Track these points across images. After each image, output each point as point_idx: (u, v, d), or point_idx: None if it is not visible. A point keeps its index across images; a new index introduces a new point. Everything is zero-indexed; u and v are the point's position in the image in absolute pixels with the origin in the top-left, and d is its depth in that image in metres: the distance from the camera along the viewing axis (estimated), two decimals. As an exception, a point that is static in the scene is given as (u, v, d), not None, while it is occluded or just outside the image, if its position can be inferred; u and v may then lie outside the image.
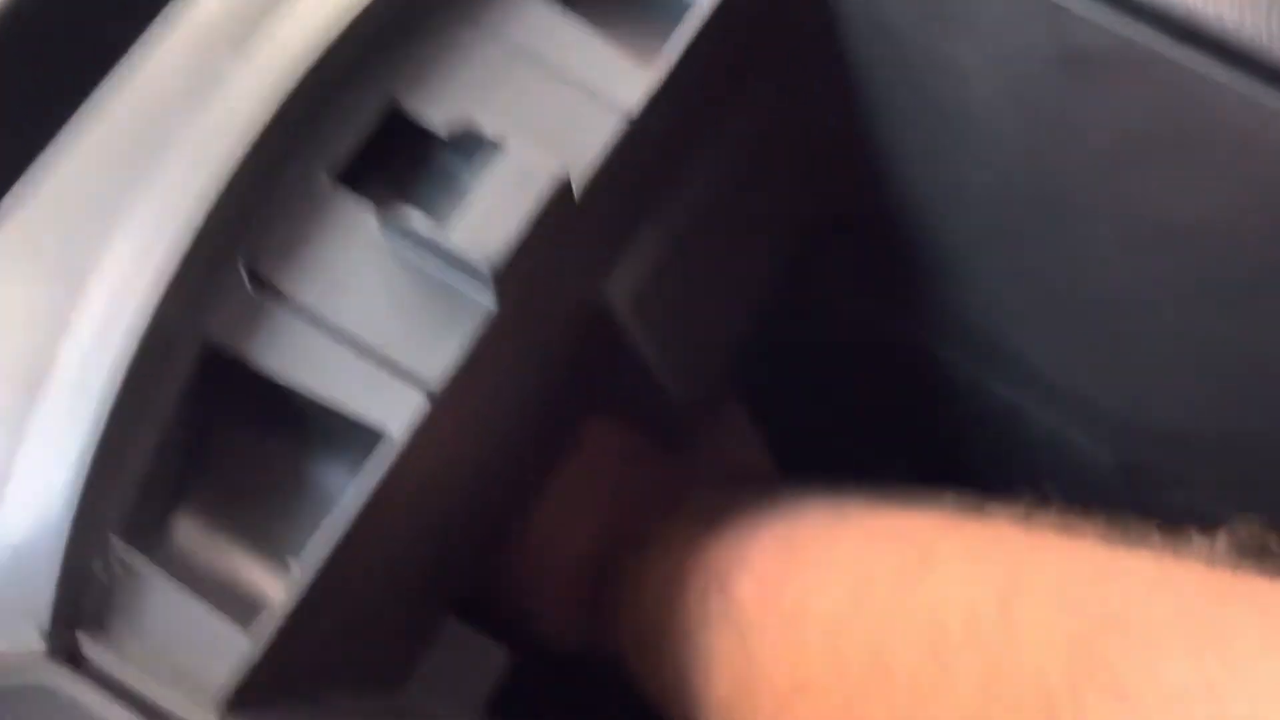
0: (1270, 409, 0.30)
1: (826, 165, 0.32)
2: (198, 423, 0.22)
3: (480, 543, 0.35)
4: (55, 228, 0.21)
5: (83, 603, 0.20)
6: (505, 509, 0.35)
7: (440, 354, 0.22)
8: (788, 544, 0.28)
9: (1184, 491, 0.34)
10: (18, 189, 0.22)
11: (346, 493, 0.21)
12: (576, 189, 0.22)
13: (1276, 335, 0.27)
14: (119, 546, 0.21)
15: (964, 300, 0.34)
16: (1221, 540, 0.21)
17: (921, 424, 0.41)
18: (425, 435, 0.22)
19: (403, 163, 0.24)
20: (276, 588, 0.21)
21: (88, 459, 0.20)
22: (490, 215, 0.21)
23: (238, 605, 0.21)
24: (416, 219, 0.21)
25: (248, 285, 0.22)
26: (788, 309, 0.38)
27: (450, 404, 0.22)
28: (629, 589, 0.34)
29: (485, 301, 0.22)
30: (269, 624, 0.20)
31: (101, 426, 0.20)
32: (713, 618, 0.28)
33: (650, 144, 0.25)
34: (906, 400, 0.41)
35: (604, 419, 0.37)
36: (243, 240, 0.22)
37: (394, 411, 0.21)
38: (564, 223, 0.22)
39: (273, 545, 0.23)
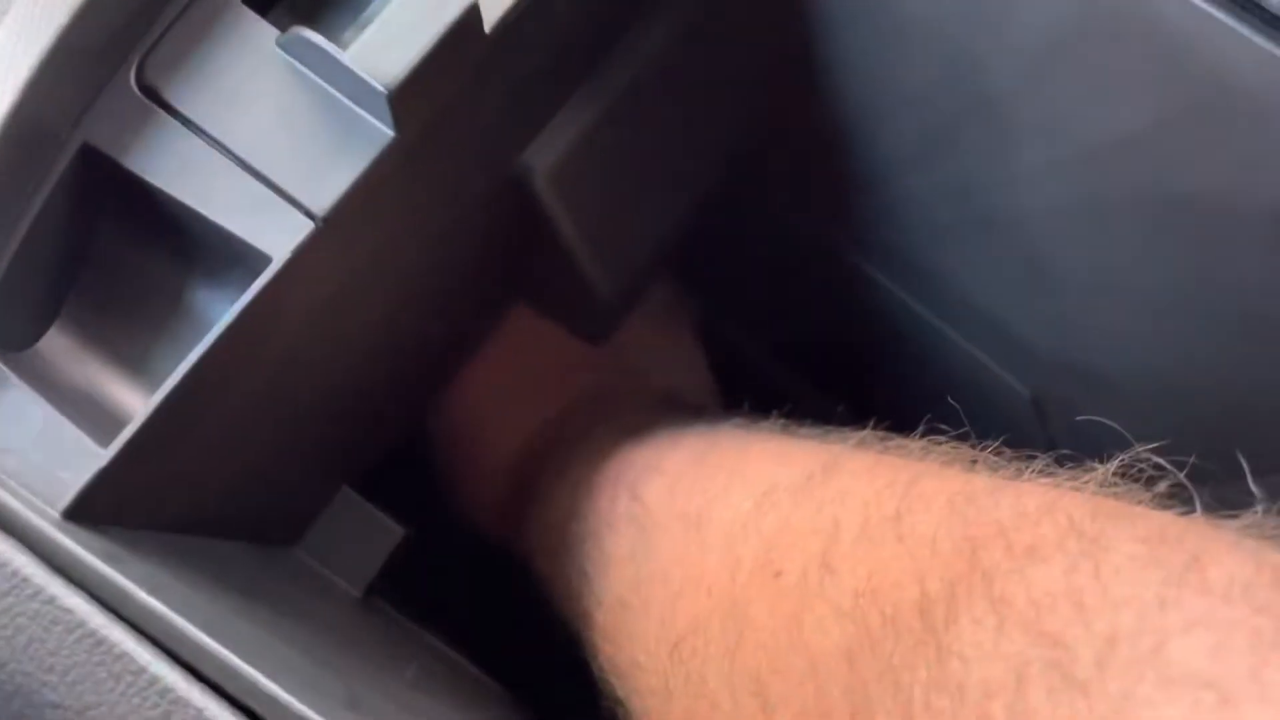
0: (1175, 346, 0.30)
1: (761, 59, 0.31)
2: (73, 231, 0.21)
3: (385, 416, 0.34)
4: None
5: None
6: (413, 385, 0.35)
7: (333, 179, 0.21)
8: (701, 455, 0.28)
9: (1090, 426, 0.35)
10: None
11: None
12: (489, 26, 0.22)
13: (1187, 269, 0.27)
14: (-25, 347, 0.20)
15: (890, 215, 0.33)
16: (1114, 467, 0.21)
17: (847, 342, 0.41)
18: (309, 261, 0.21)
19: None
20: (142, 408, 0.21)
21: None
22: (392, 37, 0.20)
23: (99, 421, 0.20)
24: (315, 36, 0.20)
25: (135, 90, 0.21)
26: (720, 216, 0.37)
27: (339, 233, 0.21)
28: (543, 492, 0.34)
29: (383, 128, 0.21)
30: (123, 436, 0.19)
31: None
32: (620, 520, 0.28)
33: (579, 3, 0.24)
34: (836, 317, 0.40)
35: (530, 309, 0.36)
36: (135, 48, 0.21)
37: (279, 234, 0.21)
38: (473, 61, 0.21)
39: (145, 367, 0.22)
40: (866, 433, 0.26)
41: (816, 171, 0.35)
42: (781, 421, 0.29)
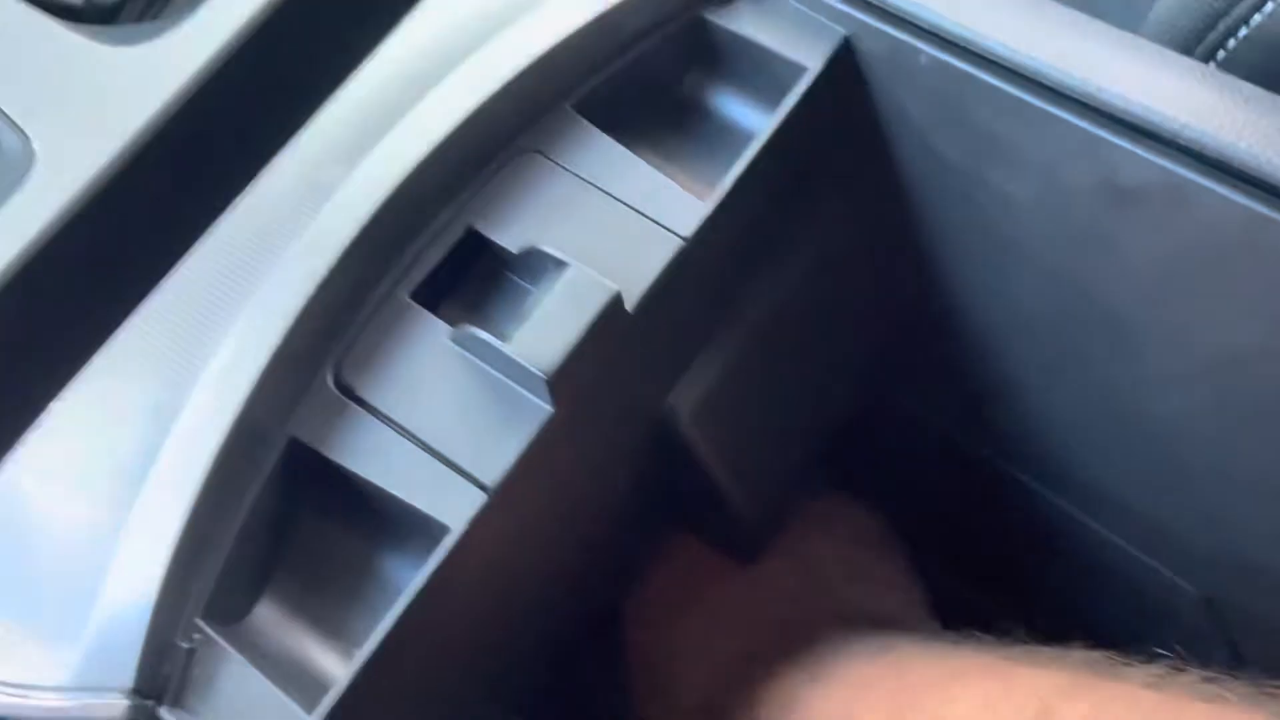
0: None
1: (886, 288, 0.33)
2: (280, 513, 0.24)
3: (552, 649, 0.36)
4: (170, 330, 0.24)
5: (164, 676, 0.22)
6: (583, 614, 0.36)
7: (500, 454, 0.23)
8: (899, 704, 0.28)
9: (1269, 627, 0.33)
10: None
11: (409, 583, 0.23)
12: (631, 305, 0.24)
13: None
14: (200, 626, 0.23)
15: (1029, 422, 0.34)
16: None
17: (1002, 546, 0.40)
18: (482, 528, 0.23)
19: (478, 280, 0.26)
20: (342, 673, 0.23)
21: (175, 546, 0.22)
22: (548, 327, 0.23)
23: (306, 687, 0.23)
24: (482, 334, 0.23)
25: (333, 389, 0.24)
26: (860, 429, 0.39)
27: (507, 500, 0.23)
28: None
29: (543, 405, 0.23)
30: (327, 702, 0.21)
31: (189, 516, 0.22)
32: None
33: (708, 265, 0.27)
34: (986, 523, 0.41)
35: (696, 544, 0.37)
36: (331, 349, 0.25)
37: (456, 508, 0.23)
38: (620, 335, 0.24)
39: (342, 632, 0.24)
40: (1083, 658, 0.25)
41: (952, 385, 0.36)
42: (981, 647, 0.28)
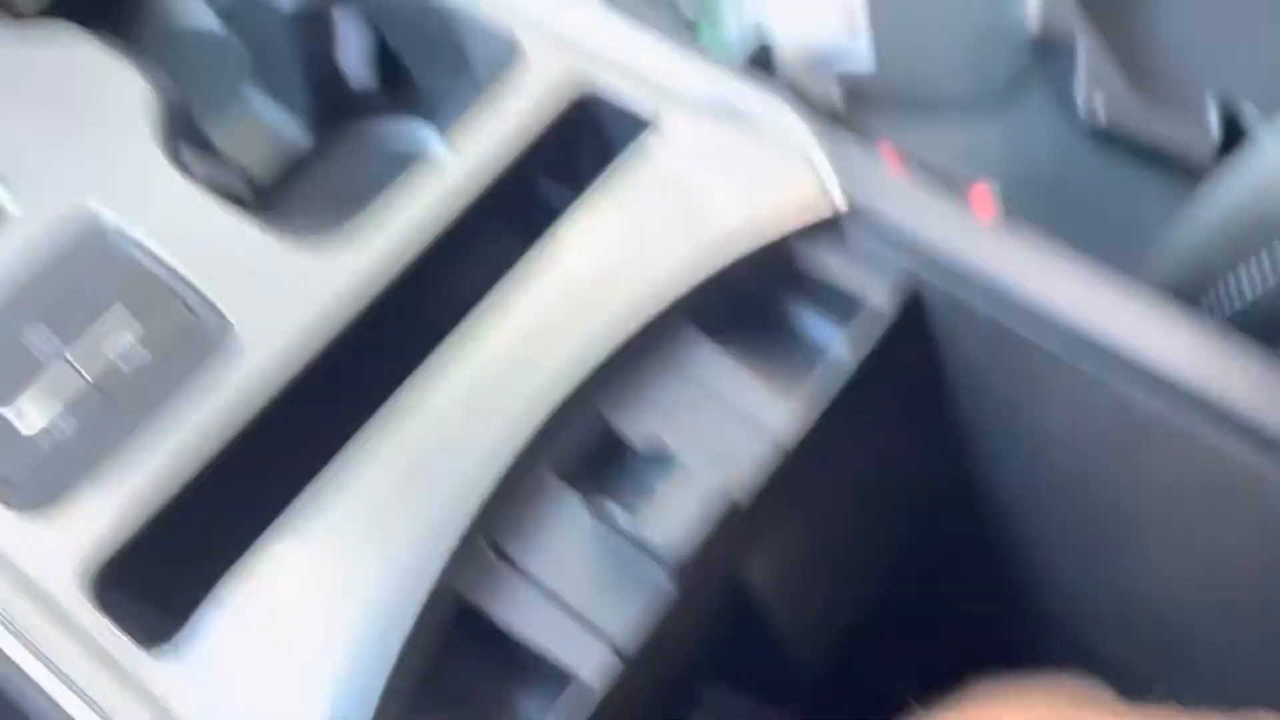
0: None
1: (934, 480, 0.39)
2: (444, 658, 0.29)
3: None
4: (373, 516, 0.29)
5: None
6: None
7: (628, 619, 0.28)
8: None
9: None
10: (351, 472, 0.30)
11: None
12: (743, 500, 0.30)
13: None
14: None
15: (1055, 604, 0.39)
16: None
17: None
18: (614, 687, 0.28)
19: (608, 463, 0.32)
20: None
21: (384, 692, 0.27)
22: (675, 518, 0.28)
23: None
24: (620, 515, 0.29)
25: (492, 556, 0.29)
26: (902, 598, 0.43)
27: (633, 664, 0.28)
28: None
29: (666, 584, 0.29)
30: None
31: (390, 675, 0.27)
32: None
33: (792, 459, 0.32)
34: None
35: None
36: (492, 522, 0.30)
37: (586, 661, 0.28)
38: (731, 529, 0.29)
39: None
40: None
41: (979, 560, 0.41)
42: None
